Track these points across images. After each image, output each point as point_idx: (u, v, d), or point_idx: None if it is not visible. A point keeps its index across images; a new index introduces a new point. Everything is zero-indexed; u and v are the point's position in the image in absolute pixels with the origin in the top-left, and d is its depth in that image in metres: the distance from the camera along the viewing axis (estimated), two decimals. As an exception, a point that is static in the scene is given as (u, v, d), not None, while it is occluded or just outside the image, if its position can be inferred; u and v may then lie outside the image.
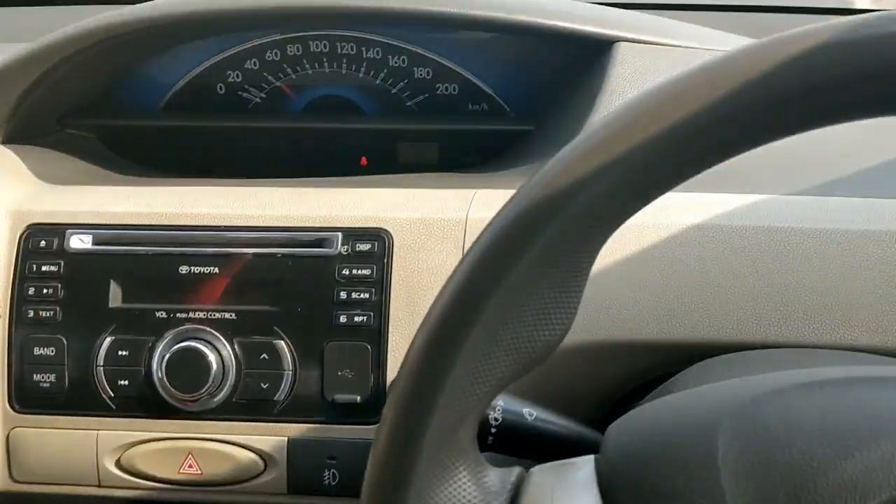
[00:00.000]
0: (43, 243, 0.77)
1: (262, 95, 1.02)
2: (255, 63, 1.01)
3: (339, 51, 1.00)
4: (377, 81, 1.01)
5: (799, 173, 0.78)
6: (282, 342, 0.74)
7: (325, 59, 1.00)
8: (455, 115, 1.01)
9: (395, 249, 0.75)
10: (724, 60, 0.39)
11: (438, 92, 1.01)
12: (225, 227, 0.76)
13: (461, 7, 0.91)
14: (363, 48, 1.00)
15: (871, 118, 0.39)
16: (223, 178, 0.89)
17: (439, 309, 0.41)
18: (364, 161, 1.02)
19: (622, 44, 0.90)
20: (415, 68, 1.01)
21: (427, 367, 0.41)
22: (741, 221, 0.72)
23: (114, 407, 0.76)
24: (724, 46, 0.94)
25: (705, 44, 0.93)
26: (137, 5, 0.91)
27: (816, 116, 0.38)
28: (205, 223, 0.77)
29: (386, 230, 0.75)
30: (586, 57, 0.93)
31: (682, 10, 1.13)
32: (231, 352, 0.74)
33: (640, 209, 0.41)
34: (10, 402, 0.77)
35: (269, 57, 1.00)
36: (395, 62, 1.00)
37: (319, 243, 0.75)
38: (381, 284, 0.74)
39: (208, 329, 0.75)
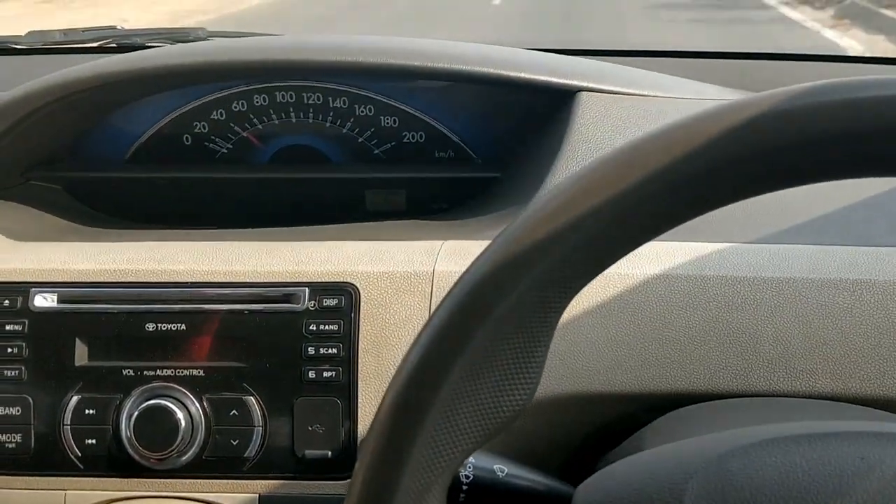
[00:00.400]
0: (7, 302, 0.76)
1: (229, 146, 1.02)
2: (221, 114, 1.01)
3: (305, 101, 1.01)
4: (344, 130, 1.02)
5: (760, 219, 0.80)
6: (251, 398, 0.74)
7: (291, 109, 1.01)
8: (422, 162, 1.02)
9: (363, 304, 0.75)
10: (677, 126, 0.39)
11: (405, 140, 1.02)
12: (191, 283, 0.76)
13: (427, 60, 0.92)
14: (329, 98, 1.01)
15: (810, 184, 0.40)
16: (191, 228, 0.89)
17: (405, 373, 0.41)
18: (331, 210, 1.02)
19: (584, 93, 0.92)
20: (381, 117, 1.02)
21: (395, 431, 0.41)
22: (704, 271, 0.73)
23: (81, 466, 0.75)
24: (685, 94, 0.96)
25: (667, 92, 0.95)
26: (97, 61, 0.91)
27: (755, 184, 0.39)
28: (171, 279, 0.76)
29: (353, 284, 0.75)
30: (551, 105, 0.94)
31: (651, 56, 1.15)
32: (200, 408, 0.74)
33: (601, 272, 0.42)
34: None
35: (235, 107, 1.01)
36: (362, 111, 1.01)
37: (287, 299, 0.75)
38: (348, 339, 0.74)
39: (176, 386, 0.74)
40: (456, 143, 1.02)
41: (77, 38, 1.20)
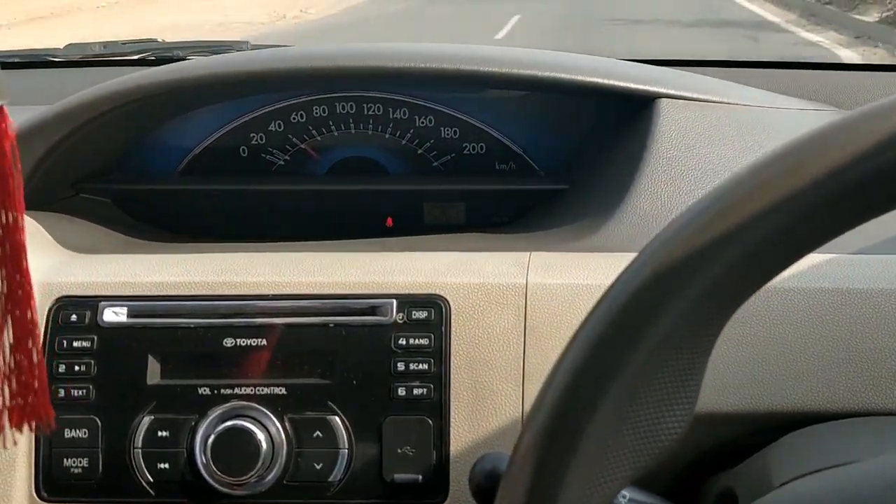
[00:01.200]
0: (74, 317, 0.72)
1: (287, 157, 0.98)
2: (279, 125, 0.97)
3: (365, 112, 0.97)
4: (403, 142, 0.98)
5: (864, 230, 0.76)
6: (336, 418, 0.70)
7: (351, 121, 0.98)
8: (482, 174, 0.99)
9: (454, 317, 0.71)
10: (855, 121, 0.36)
11: (465, 151, 0.99)
12: (271, 295, 0.72)
13: (500, 66, 0.89)
14: (390, 108, 0.97)
15: None
16: (249, 241, 0.85)
17: (554, 397, 0.37)
18: (390, 222, 0.99)
19: (664, 100, 0.88)
20: (441, 128, 0.98)
21: (545, 463, 0.37)
22: (820, 283, 0.69)
23: (153, 493, 0.70)
24: (767, 104, 0.93)
25: (748, 101, 0.91)
26: (140, 73, 0.88)
27: None
28: (249, 292, 0.72)
29: (442, 296, 0.71)
30: (624, 115, 0.91)
31: (712, 66, 1.12)
32: (281, 429, 0.70)
33: (771, 279, 0.38)
34: (37, 489, 0.71)
35: (294, 119, 0.97)
36: (422, 122, 0.98)
37: (373, 311, 0.71)
38: (440, 354, 0.70)
39: (256, 406, 0.70)
40: (518, 154, 0.99)
41: (117, 50, 1.16)
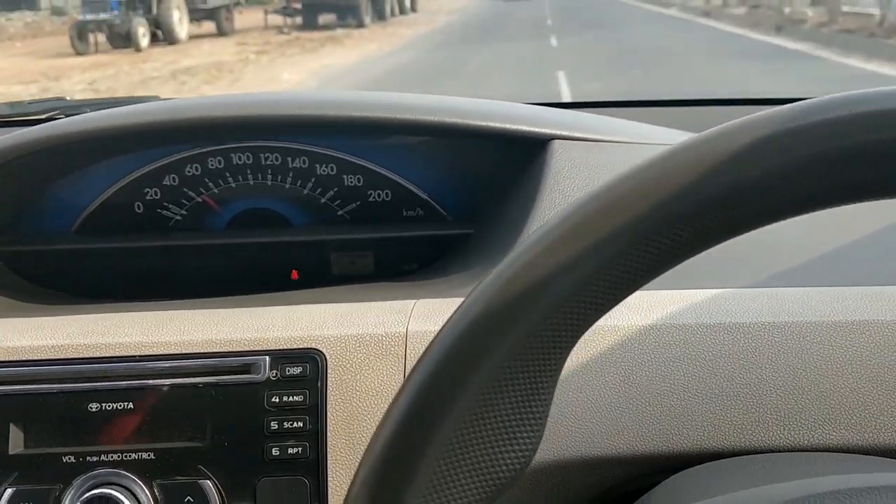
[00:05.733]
0: None
1: (184, 212, 0.96)
2: (174, 179, 0.95)
3: (263, 162, 0.95)
4: (305, 192, 0.96)
5: (747, 263, 0.75)
6: (208, 482, 0.66)
7: (248, 171, 0.95)
8: (389, 222, 0.97)
9: (330, 371, 0.68)
10: (671, 154, 0.35)
11: (370, 199, 0.97)
12: (139, 356, 0.69)
13: (398, 112, 0.87)
14: (288, 158, 0.95)
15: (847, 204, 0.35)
16: (145, 301, 0.83)
17: (390, 427, 0.36)
18: (295, 275, 0.96)
19: (557, 141, 0.87)
20: (344, 176, 0.96)
21: (378, 495, 0.36)
22: (703, 319, 0.67)
23: None
24: (658, 140, 0.92)
25: (640, 138, 0.90)
26: (32, 128, 0.85)
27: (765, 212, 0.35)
28: (117, 353, 0.69)
29: (318, 350, 0.68)
30: (522, 157, 0.90)
31: (615, 107, 1.11)
32: (150, 496, 0.66)
33: (602, 315, 0.36)
34: None
35: (188, 172, 0.95)
36: (323, 170, 0.96)
37: (245, 369, 0.68)
38: (315, 411, 0.67)
39: (124, 472, 0.67)
40: (425, 200, 0.97)
41: (22, 110, 1.14)
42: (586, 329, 0.37)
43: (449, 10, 25.44)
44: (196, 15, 16.98)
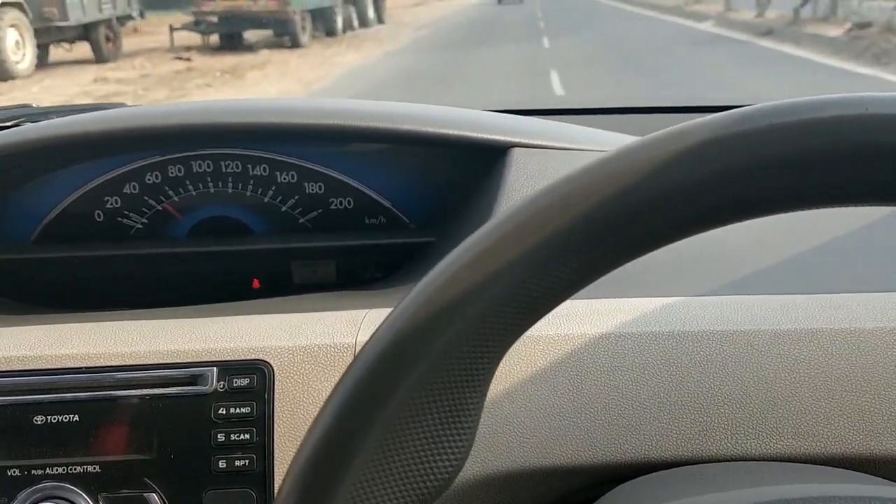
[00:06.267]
0: None
1: (144, 220, 0.95)
2: (134, 187, 0.94)
3: (223, 169, 0.95)
4: (266, 199, 0.96)
5: (697, 273, 0.74)
6: (154, 495, 0.66)
7: (209, 179, 0.95)
8: (351, 230, 0.96)
9: (277, 382, 0.67)
10: (602, 163, 0.35)
11: (332, 207, 0.96)
12: (85, 368, 0.68)
13: (357, 120, 0.87)
14: (249, 165, 0.95)
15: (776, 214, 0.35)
16: (104, 310, 0.82)
17: (315, 435, 0.36)
18: (257, 284, 0.96)
19: (516, 149, 0.87)
20: (305, 183, 0.96)
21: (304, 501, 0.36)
22: (649, 327, 0.67)
23: None
24: (609, 147, 0.92)
25: (598, 145, 0.90)
26: None
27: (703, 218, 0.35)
28: (63, 365, 0.69)
29: (266, 362, 0.68)
30: (483, 164, 0.89)
31: (576, 114, 1.11)
32: None
33: (528, 327, 0.36)
34: None
35: (149, 179, 0.94)
36: (284, 178, 0.95)
37: (192, 381, 0.67)
38: (262, 423, 0.66)
39: (69, 486, 0.66)
40: (387, 208, 0.97)
41: (-12, 117, 1.13)
42: (511, 342, 0.37)
43: (422, 21, 21.29)
44: (54, 36, 12.27)
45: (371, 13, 19.02)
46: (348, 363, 0.68)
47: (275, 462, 0.66)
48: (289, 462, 0.65)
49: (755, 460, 0.63)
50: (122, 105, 1.17)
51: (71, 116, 0.90)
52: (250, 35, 14.89)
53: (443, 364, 0.35)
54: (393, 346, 0.36)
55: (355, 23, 17.92)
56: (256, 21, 14.17)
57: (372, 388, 0.36)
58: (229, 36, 14.48)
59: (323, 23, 15.86)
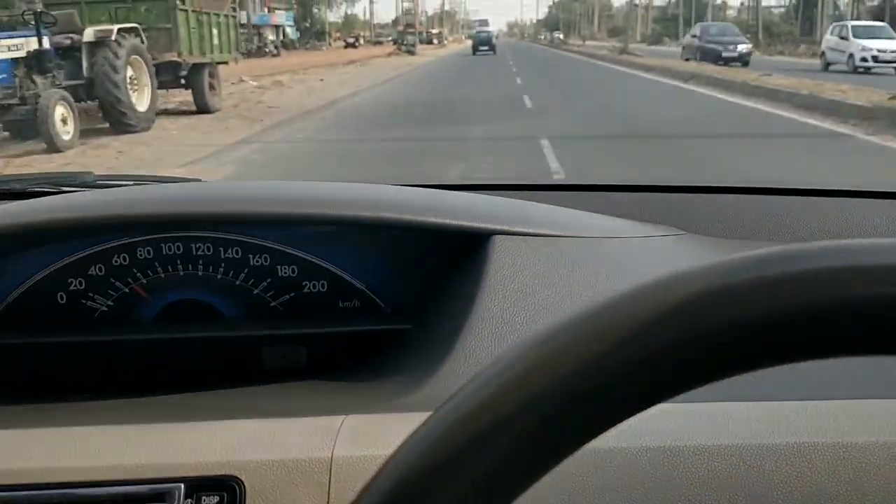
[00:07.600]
0: None
1: (110, 303, 0.92)
2: (100, 269, 0.91)
3: (194, 252, 0.92)
4: (237, 282, 0.92)
5: None
6: None
7: (178, 262, 0.92)
8: (324, 315, 0.93)
9: (248, 500, 0.64)
10: (599, 313, 0.33)
11: (305, 290, 0.94)
12: (43, 484, 0.64)
13: (334, 208, 0.85)
14: (220, 248, 0.92)
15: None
16: (65, 401, 0.78)
17: None
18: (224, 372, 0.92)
19: (497, 237, 0.85)
20: (278, 266, 0.93)
21: None
22: (632, 442, 0.64)
23: None
24: (599, 233, 0.90)
25: (583, 231, 0.88)
26: None
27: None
28: (17, 481, 0.65)
29: (237, 477, 0.65)
30: (463, 251, 0.87)
31: (548, 190, 1.09)
32: None
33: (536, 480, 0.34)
34: None
35: (116, 261, 0.91)
36: (257, 261, 0.92)
37: (158, 498, 0.64)
38: None
39: None
40: (362, 291, 0.94)
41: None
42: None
43: (304, 107, 11.25)
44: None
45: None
46: (322, 480, 0.65)
47: None
48: None
49: None
50: (89, 174, 1.14)
51: (35, 201, 0.87)
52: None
53: None
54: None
55: (148, 106, 9.52)
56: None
57: None
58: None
59: (115, 110, 9.04)
